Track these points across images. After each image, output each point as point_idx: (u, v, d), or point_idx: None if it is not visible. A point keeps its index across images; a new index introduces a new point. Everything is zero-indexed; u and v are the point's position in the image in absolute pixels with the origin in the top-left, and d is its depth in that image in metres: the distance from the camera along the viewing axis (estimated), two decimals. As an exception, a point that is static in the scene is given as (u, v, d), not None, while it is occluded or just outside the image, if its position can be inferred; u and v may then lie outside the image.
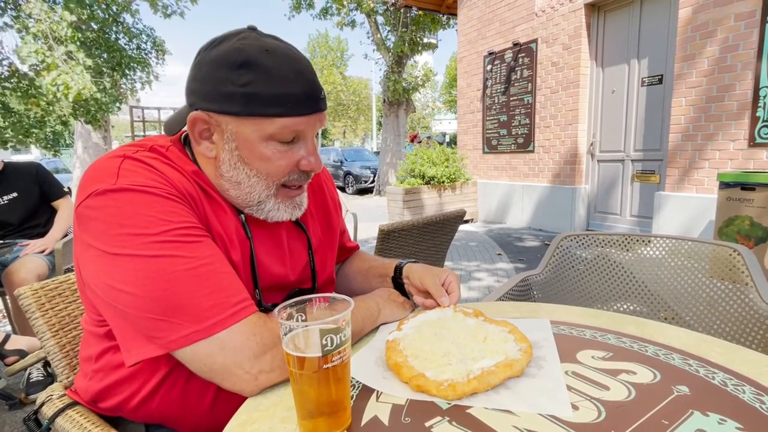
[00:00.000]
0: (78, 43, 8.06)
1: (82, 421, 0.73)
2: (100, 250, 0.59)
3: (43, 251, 2.20)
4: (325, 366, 0.50)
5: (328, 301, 0.58)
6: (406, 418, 0.54)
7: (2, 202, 2.26)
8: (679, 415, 0.52)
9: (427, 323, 0.74)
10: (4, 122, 8.47)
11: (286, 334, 0.51)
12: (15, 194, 2.30)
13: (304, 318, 0.56)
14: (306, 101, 0.68)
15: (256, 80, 0.65)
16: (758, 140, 3.61)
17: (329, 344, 0.50)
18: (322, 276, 0.87)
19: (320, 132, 34.13)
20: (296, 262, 0.83)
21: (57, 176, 2.56)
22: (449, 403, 0.56)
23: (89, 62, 8.01)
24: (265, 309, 0.73)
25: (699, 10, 3.94)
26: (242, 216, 0.75)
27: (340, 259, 1.04)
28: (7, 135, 8.56)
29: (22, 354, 1.92)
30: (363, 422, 0.53)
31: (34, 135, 9.26)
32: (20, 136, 8.88)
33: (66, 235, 2.35)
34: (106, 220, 0.59)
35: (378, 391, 0.60)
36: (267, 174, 0.71)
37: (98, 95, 8.12)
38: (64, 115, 9.16)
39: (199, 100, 0.68)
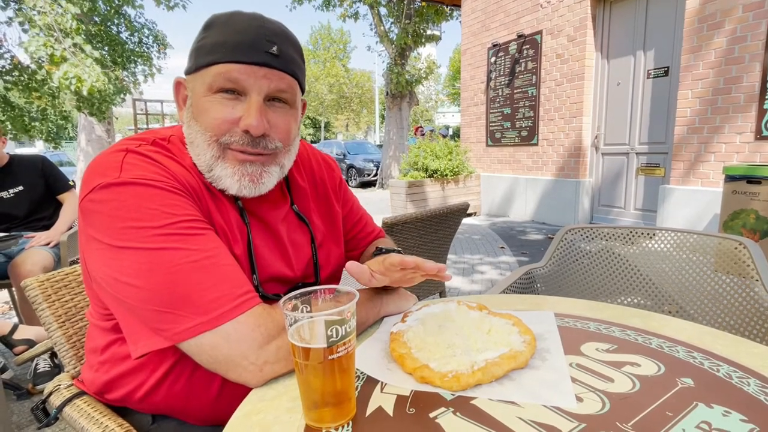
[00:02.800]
0: (83, 36, 8.05)
1: (89, 410, 0.74)
2: (104, 244, 0.59)
3: (48, 243, 2.21)
4: (330, 357, 0.51)
5: (333, 293, 0.58)
6: (411, 409, 0.54)
7: (8, 196, 2.28)
8: (684, 406, 0.52)
9: (431, 315, 0.74)
10: (3, 115, 8.49)
11: (291, 325, 0.52)
12: (21, 187, 2.31)
13: (309, 309, 0.56)
14: (244, 49, 0.66)
15: (208, 35, 0.68)
16: (765, 133, 3.58)
17: (334, 335, 0.50)
18: (325, 271, 0.87)
19: (323, 125, 34.08)
20: (300, 257, 0.82)
21: (61, 169, 2.57)
22: (453, 394, 0.56)
23: (96, 54, 8.00)
24: (266, 297, 0.73)
25: (706, 0, 3.88)
26: (239, 203, 0.74)
27: (359, 252, 1.02)
28: (6, 129, 8.58)
29: (30, 343, 1.95)
30: (368, 413, 0.54)
31: (34, 128, 9.28)
32: (20, 130, 8.91)
33: (71, 228, 2.37)
34: (111, 213, 0.60)
35: (382, 382, 0.60)
36: (205, 127, 0.68)
37: (110, 87, 8.13)
38: (66, 110, 9.18)
39: None
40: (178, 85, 0.74)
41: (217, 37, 0.67)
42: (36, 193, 2.36)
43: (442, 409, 0.53)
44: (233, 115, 0.68)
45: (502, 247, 4.71)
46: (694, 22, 4.00)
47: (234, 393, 0.68)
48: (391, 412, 0.53)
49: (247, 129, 0.68)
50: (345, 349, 0.52)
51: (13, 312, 2.73)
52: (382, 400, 0.56)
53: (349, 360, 0.53)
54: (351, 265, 0.69)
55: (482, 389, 0.57)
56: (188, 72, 0.71)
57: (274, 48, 0.67)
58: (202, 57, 0.67)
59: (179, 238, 0.60)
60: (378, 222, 1.23)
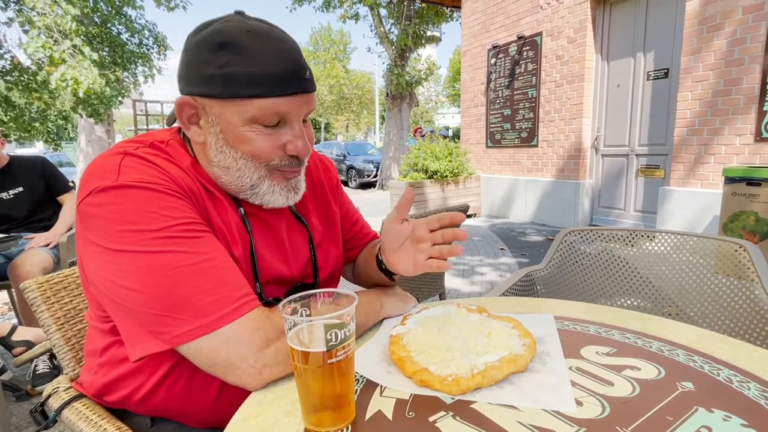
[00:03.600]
0: (82, 37, 8.05)
1: (88, 413, 0.74)
2: (102, 247, 0.59)
3: (47, 245, 2.21)
4: (329, 361, 0.50)
5: (332, 296, 0.58)
6: (410, 413, 0.54)
7: (8, 197, 2.28)
8: (684, 411, 0.52)
9: (431, 318, 0.74)
10: (5, 116, 8.49)
11: (290, 329, 0.52)
12: (21, 188, 2.31)
13: (308, 313, 0.56)
14: (287, 81, 0.66)
15: (235, 61, 0.64)
16: (765, 135, 3.58)
17: (333, 339, 0.50)
18: (324, 271, 0.87)
19: (323, 126, 34.12)
20: (298, 257, 0.82)
21: (61, 169, 2.57)
22: (453, 398, 0.56)
23: (95, 56, 8.00)
24: (267, 302, 0.73)
25: (706, 2, 3.89)
26: (241, 210, 0.74)
27: (357, 251, 1.01)
28: (9, 129, 8.58)
29: (29, 345, 1.95)
30: (367, 417, 0.53)
31: (35, 129, 9.28)
32: (22, 131, 8.91)
33: (70, 229, 2.37)
34: (108, 216, 0.59)
35: (382, 386, 0.60)
36: (252, 155, 0.69)
37: (107, 89, 8.11)
38: (66, 111, 9.17)
39: (185, 84, 0.68)
40: (185, 105, 0.69)
41: (250, 66, 0.64)
42: (36, 195, 2.36)
43: (442, 413, 0.53)
44: (279, 142, 0.70)
45: (501, 249, 4.71)
46: (694, 24, 4.00)
47: (233, 395, 0.68)
48: (390, 416, 0.53)
49: (297, 154, 0.71)
50: (344, 353, 0.52)
51: (13, 313, 2.73)
52: (381, 404, 0.56)
53: (349, 364, 0.53)
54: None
55: (482, 393, 0.57)
56: (213, 96, 0.66)
57: (307, 73, 0.69)
58: (239, 88, 0.64)
59: (177, 241, 0.59)
60: (378, 224, 1.23)
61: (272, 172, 0.72)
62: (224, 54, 0.64)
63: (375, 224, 0.97)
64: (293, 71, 0.66)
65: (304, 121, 0.73)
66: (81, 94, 7.57)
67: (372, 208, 8.02)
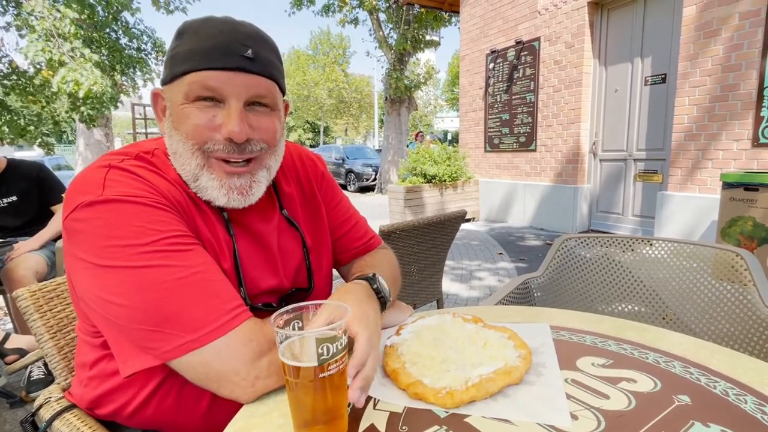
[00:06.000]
0: (81, 40, 8.07)
1: (79, 424, 0.73)
2: (90, 263, 0.58)
3: (33, 250, 2.17)
4: (321, 375, 0.50)
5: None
6: (404, 427, 0.53)
7: (2, 205, 2.25)
8: (680, 425, 0.51)
9: (427, 328, 0.74)
10: (0, 120, 8.46)
11: (282, 342, 0.51)
12: (14, 198, 2.28)
13: (300, 325, 0.56)
14: (217, 55, 0.63)
15: (182, 43, 0.66)
16: (762, 140, 3.58)
17: (325, 353, 0.50)
18: (319, 275, 0.85)
19: (322, 129, 34.15)
20: (289, 265, 0.80)
21: (59, 173, 2.57)
22: (447, 412, 0.56)
23: (95, 57, 8.00)
24: (257, 308, 0.72)
25: (703, 8, 3.91)
26: (225, 214, 0.73)
27: (347, 256, 0.94)
28: (2, 133, 8.57)
29: (22, 353, 1.93)
30: (360, 431, 0.53)
31: (30, 133, 9.26)
32: (16, 135, 8.90)
33: (61, 237, 2.34)
34: (95, 232, 0.58)
35: (375, 399, 0.59)
36: (187, 135, 0.66)
37: (109, 90, 8.11)
38: (58, 116, 9.17)
39: None
40: (156, 96, 0.72)
41: (189, 44, 0.65)
42: (30, 204, 2.32)
43: (436, 427, 0.53)
44: (213, 122, 0.66)
45: (500, 253, 4.70)
46: (691, 30, 4.02)
47: (224, 408, 0.67)
48: (383, 430, 0.53)
49: (229, 136, 0.66)
50: (336, 367, 0.51)
51: (8, 318, 2.71)
52: (374, 418, 0.55)
53: (341, 377, 0.52)
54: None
55: (476, 406, 0.56)
56: (164, 82, 0.69)
57: (249, 51, 0.65)
58: (177, 66, 0.65)
59: (166, 255, 0.58)
60: (376, 229, 1.21)
61: (209, 161, 0.68)
62: (177, 40, 0.67)
63: (374, 228, 0.95)
64: (227, 45, 0.64)
65: (260, 105, 0.69)
66: (81, 95, 7.55)
67: (371, 212, 8.01)
